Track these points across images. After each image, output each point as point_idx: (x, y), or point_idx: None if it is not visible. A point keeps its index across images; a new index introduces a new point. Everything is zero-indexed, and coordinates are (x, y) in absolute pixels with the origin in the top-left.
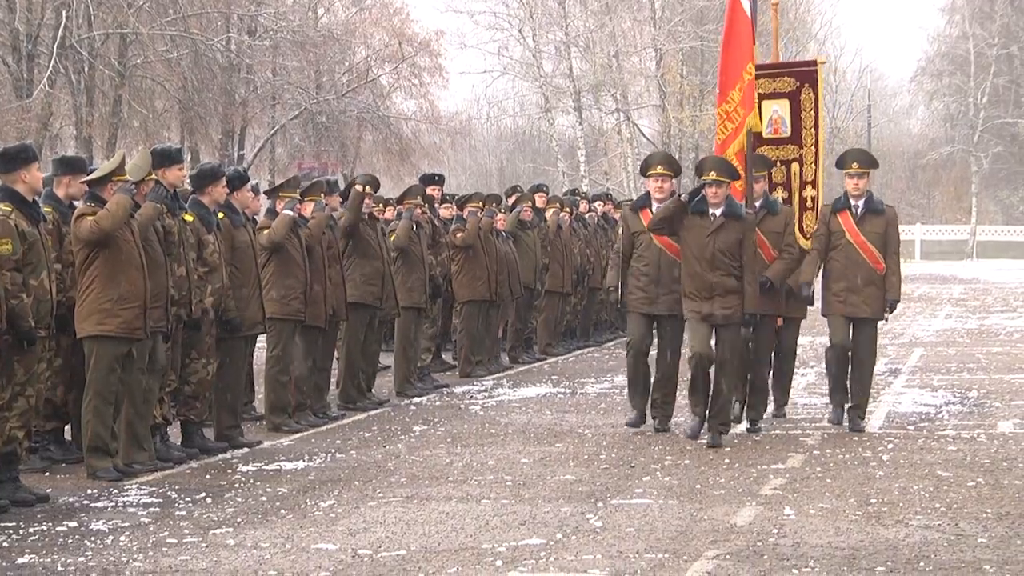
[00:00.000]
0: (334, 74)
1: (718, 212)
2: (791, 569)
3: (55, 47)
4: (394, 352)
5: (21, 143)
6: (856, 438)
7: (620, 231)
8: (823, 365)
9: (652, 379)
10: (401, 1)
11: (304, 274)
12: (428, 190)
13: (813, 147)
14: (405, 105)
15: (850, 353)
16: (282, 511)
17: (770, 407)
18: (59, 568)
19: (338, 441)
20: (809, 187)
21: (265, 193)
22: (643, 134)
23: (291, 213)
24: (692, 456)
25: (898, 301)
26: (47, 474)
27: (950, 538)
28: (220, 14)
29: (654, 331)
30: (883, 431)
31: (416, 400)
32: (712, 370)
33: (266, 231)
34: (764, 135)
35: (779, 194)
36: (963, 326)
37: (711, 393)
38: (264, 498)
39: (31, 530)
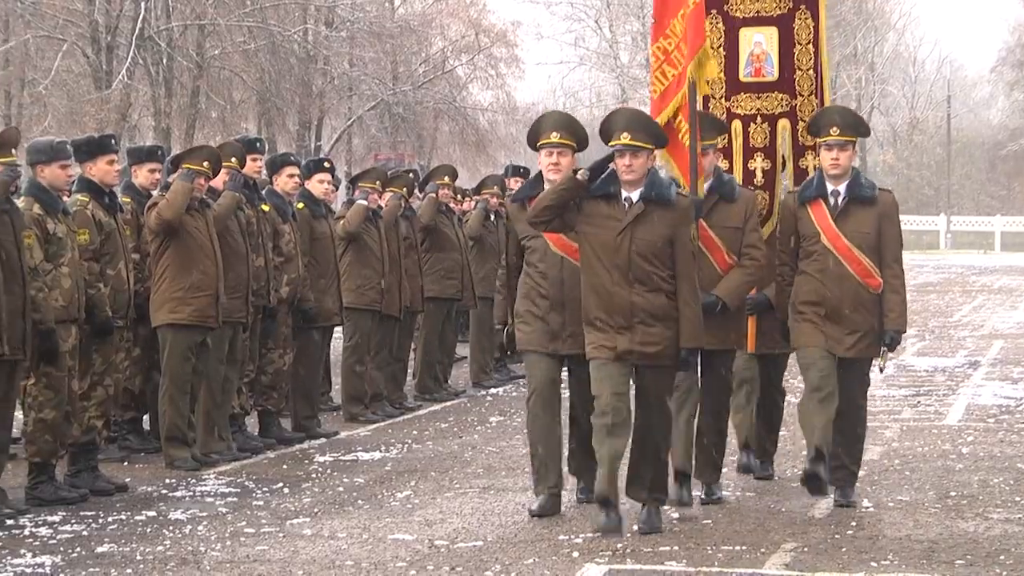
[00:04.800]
0: (411, 65)
1: (635, 196)
2: (869, 562)
3: (134, 38)
4: (470, 343)
5: (88, 135)
6: (935, 430)
7: (506, 237)
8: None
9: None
10: None
11: (381, 264)
12: (512, 182)
13: (814, 97)
14: (481, 96)
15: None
16: (359, 501)
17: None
18: (138, 557)
19: (415, 432)
20: (810, 154)
21: (348, 183)
22: None
23: (364, 203)
24: None
25: (902, 333)
26: (125, 464)
27: None
28: (297, 5)
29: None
30: (962, 424)
31: (492, 391)
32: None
33: (342, 221)
34: (741, 78)
35: (758, 163)
36: None
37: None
38: (341, 488)
39: (110, 519)
